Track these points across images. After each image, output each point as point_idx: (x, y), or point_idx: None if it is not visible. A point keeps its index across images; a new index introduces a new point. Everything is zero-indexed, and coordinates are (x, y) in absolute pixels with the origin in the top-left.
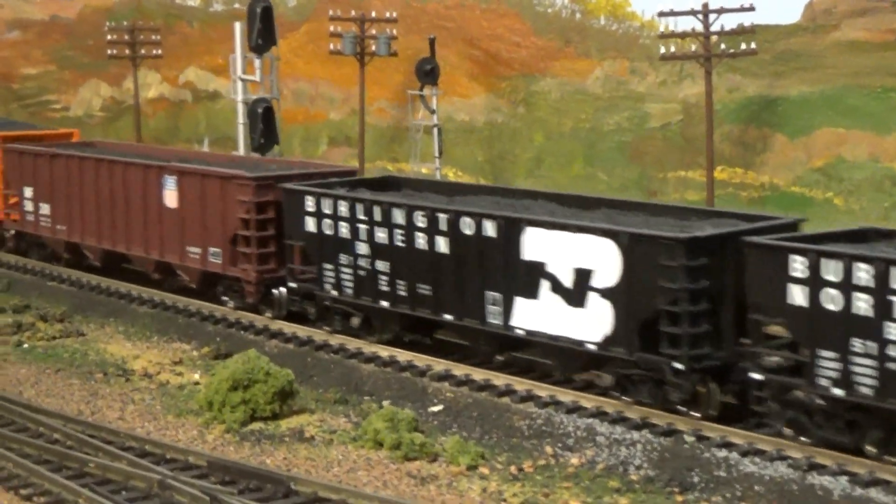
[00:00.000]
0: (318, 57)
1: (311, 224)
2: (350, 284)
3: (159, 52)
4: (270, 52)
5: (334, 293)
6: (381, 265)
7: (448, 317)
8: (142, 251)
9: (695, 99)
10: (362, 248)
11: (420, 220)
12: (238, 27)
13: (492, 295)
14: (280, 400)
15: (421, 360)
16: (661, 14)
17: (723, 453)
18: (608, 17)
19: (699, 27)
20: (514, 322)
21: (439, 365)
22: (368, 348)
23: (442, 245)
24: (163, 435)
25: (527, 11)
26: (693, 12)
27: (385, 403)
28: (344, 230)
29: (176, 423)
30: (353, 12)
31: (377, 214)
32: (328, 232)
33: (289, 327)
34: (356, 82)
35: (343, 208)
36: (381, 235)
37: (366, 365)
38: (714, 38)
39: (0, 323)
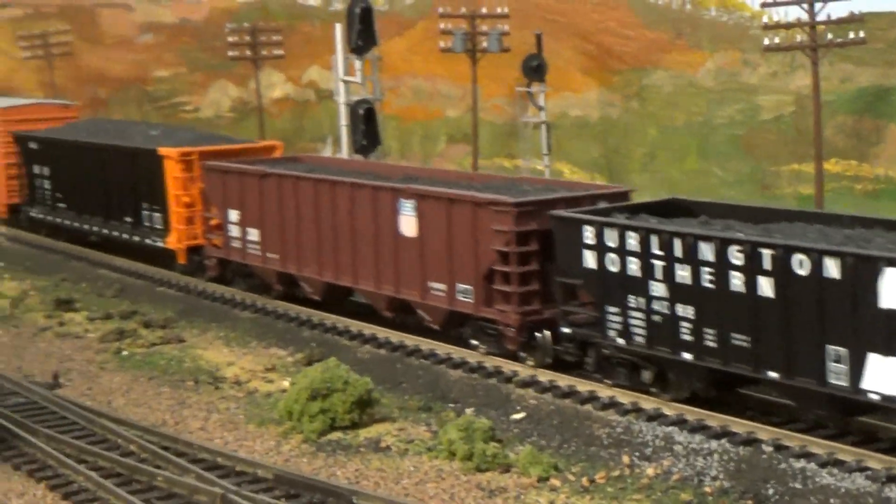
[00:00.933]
0: (434, 54)
1: (590, 259)
2: (641, 332)
3: (280, 52)
4: (372, 53)
5: (620, 341)
6: (683, 310)
7: (773, 374)
8: (372, 286)
9: (807, 90)
10: (658, 288)
11: (735, 257)
12: (339, 28)
13: (834, 350)
14: (359, 409)
15: (509, 366)
16: (765, 4)
17: (800, 464)
18: (719, 8)
19: (805, 17)
20: (865, 384)
21: (525, 371)
22: (458, 354)
23: (765, 287)
24: (240, 446)
25: (637, 3)
26: (798, 1)
27: (468, 411)
28: (634, 267)
29: (255, 433)
30: (462, 9)
31: (678, 249)
32: (613, 269)
33: (382, 332)
34: (470, 78)
35: (633, 241)
36: (682, 274)
37: (453, 371)
38: (821, 27)
39: (105, 329)
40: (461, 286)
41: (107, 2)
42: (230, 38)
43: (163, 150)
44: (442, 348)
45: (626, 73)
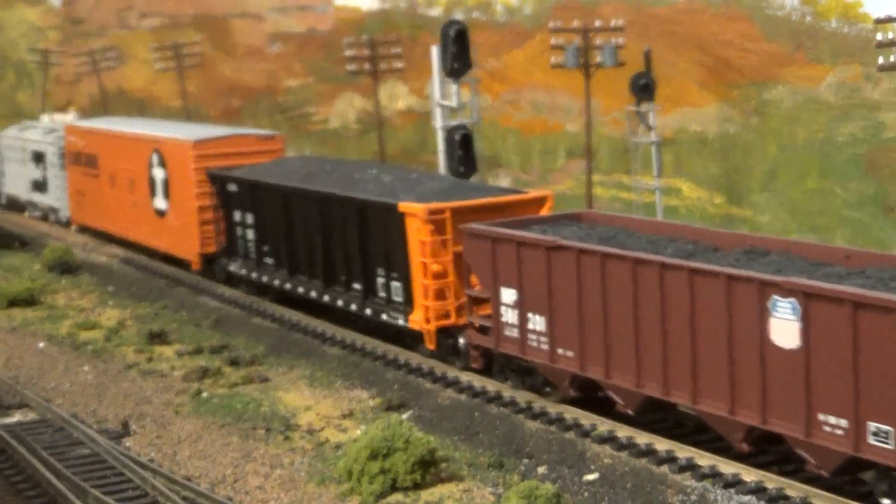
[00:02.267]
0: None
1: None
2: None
3: (400, 65)
4: (469, 76)
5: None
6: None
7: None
8: (722, 408)
9: None
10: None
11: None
12: (434, 50)
13: None
14: (422, 469)
15: (588, 419)
16: (879, 21)
17: None
18: (840, 20)
19: None
20: None
21: (603, 425)
22: (537, 403)
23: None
24: None
25: (757, 14)
26: None
27: (539, 469)
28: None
29: (313, 494)
30: (575, 23)
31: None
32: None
33: (465, 376)
34: (592, 91)
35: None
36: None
37: (531, 422)
38: None
39: (191, 366)
40: (874, 426)
41: (238, 12)
42: (348, 52)
43: (405, 206)
44: (522, 396)
45: (745, 87)
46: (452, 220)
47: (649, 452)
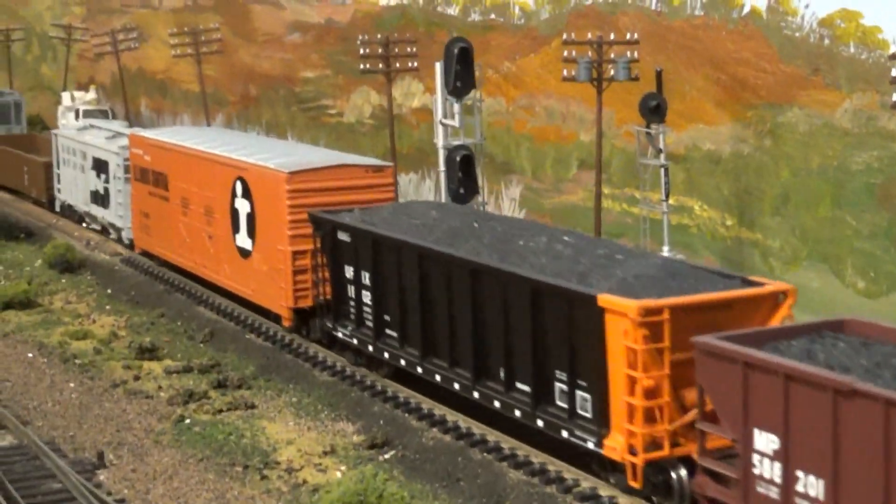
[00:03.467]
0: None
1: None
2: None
3: (415, 64)
4: (473, 95)
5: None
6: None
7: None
8: None
9: None
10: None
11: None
12: (438, 67)
13: None
14: None
15: (571, 473)
16: (894, 57)
17: None
18: (858, 45)
19: None
20: None
21: (587, 482)
22: (523, 451)
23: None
24: None
25: (774, 34)
26: None
27: None
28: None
29: None
30: (588, 35)
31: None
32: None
33: (451, 415)
34: (606, 102)
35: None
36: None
37: (514, 472)
38: None
39: (178, 387)
40: None
41: None
42: (362, 51)
43: (608, 300)
44: (507, 442)
45: (760, 108)
46: (672, 323)
47: None
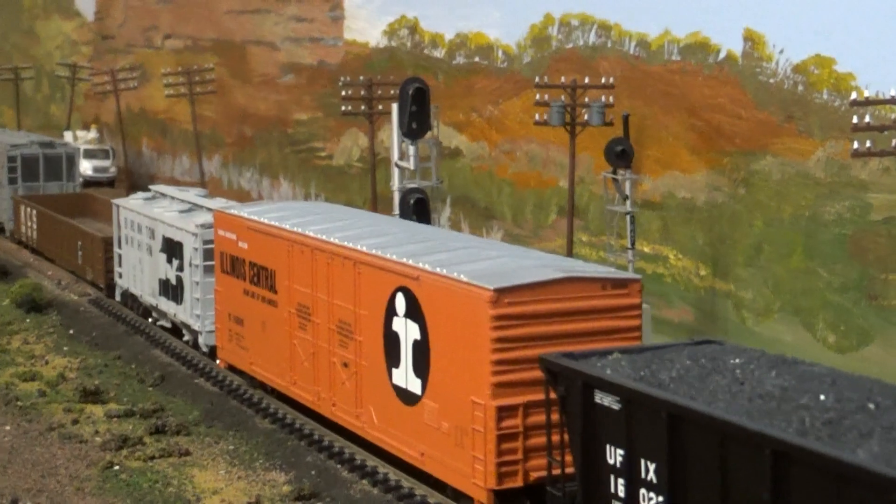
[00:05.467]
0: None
1: None
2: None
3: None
4: (429, 138)
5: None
6: None
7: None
8: None
9: None
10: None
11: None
12: (395, 108)
13: None
14: None
15: None
16: (855, 103)
17: None
18: (832, 92)
19: None
20: None
21: None
22: None
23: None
24: None
25: (748, 80)
26: (894, 101)
27: None
28: None
29: None
30: (563, 78)
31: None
32: None
33: (383, 467)
34: (585, 147)
35: None
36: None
37: None
38: None
39: (115, 432)
40: None
41: (255, 39)
42: (343, 92)
43: None
44: (434, 497)
45: (734, 155)
46: None
47: None
